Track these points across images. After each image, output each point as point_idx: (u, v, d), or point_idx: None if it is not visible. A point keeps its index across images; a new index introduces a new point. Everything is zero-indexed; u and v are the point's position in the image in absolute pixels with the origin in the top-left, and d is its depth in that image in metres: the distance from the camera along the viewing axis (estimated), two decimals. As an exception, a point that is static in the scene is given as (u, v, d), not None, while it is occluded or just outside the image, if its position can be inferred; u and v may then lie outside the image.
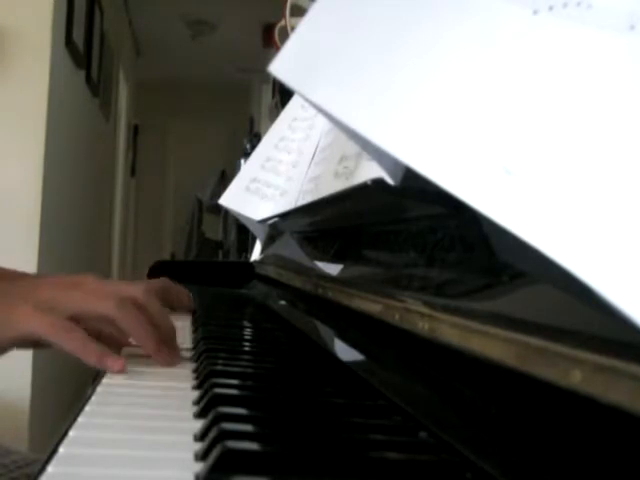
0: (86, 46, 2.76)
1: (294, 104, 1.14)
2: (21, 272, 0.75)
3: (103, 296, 0.57)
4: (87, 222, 3.21)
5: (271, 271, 1.01)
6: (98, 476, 0.32)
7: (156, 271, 1.23)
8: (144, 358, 0.57)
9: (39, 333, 0.54)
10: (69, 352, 0.54)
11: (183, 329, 0.77)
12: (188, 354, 0.62)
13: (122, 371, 0.53)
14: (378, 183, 0.50)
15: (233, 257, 3.39)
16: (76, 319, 0.55)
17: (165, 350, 0.58)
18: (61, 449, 0.34)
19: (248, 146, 2.58)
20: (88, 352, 0.54)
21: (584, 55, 0.27)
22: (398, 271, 0.51)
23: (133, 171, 5.67)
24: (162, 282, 0.76)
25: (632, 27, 0.26)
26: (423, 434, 0.37)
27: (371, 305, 0.49)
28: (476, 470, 0.30)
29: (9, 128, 2.11)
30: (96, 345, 0.54)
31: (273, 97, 2.83)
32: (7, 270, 0.74)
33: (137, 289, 0.60)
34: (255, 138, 2.52)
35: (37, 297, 0.57)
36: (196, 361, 0.58)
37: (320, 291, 0.65)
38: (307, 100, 0.33)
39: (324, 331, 0.66)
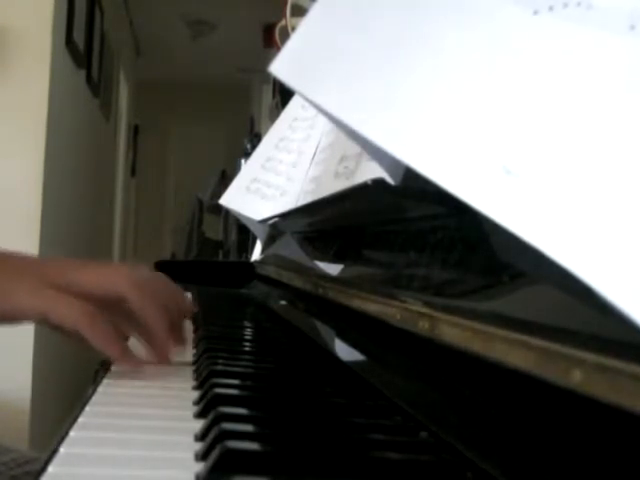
0: (86, 46, 2.76)
1: (294, 104, 1.14)
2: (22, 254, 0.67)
3: (116, 275, 0.55)
4: (87, 222, 3.21)
5: (271, 271, 1.01)
6: (98, 476, 0.32)
7: (156, 271, 1.23)
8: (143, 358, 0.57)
9: (51, 314, 0.49)
10: (89, 342, 0.50)
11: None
12: (189, 355, 0.62)
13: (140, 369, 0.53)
14: (378, 183, 0.50)
15: (233, 257, 3.39)
16: (87, 298, 0.51)
17: (172, 337, 0.57)
18: (62, 449, 0.34)
19: (248, 146, 2.58)
20: (112, 347, 0.51)
21: (584, 55, 0.27)
22: (398, 271, 0.51)
23: (133, 171, 5.66)
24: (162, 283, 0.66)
25: (632, 27, 0.26)
26: (423, 434, 0.37)
27: (371, 305, 0.49)
28: (476, 470, 0.30)
29: (9, 128, 2.11)
30: (119, 340, 0.52)
31: (273, 97, 2.83)
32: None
33: (150, 272, 0.58)
34: (255, 138, 2.52)
35: (44, 271, 0.52)
36: (196, 361, 0.58)
37: (320, 291, 0.65)
38: (307, 100, 0.33)
39: (324, 331, 0.66)
